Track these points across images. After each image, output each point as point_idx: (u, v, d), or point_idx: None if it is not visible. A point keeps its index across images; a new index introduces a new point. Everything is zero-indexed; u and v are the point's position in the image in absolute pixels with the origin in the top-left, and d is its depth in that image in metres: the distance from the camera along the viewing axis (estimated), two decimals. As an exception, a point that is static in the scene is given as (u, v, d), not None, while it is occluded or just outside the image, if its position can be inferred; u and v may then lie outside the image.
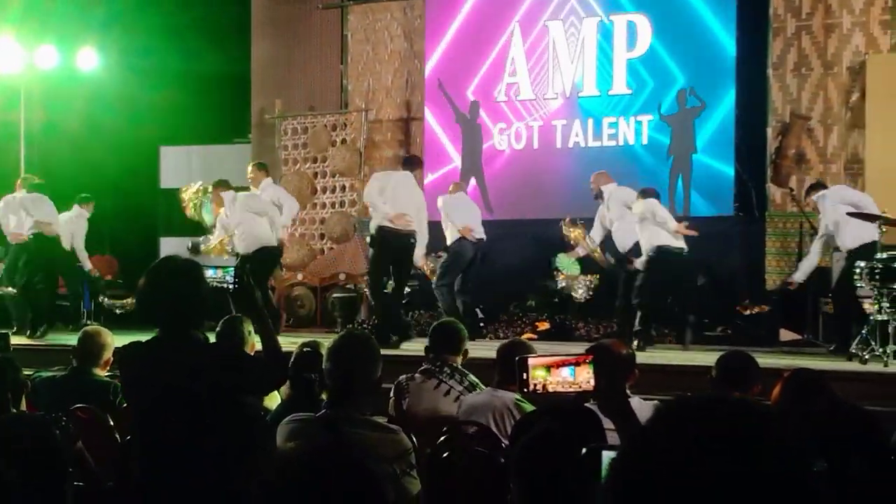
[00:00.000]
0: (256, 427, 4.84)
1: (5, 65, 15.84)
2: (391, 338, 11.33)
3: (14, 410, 5.06)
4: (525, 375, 3.56)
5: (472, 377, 6.82)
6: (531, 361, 3.59)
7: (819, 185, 11.61)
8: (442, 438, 5.50)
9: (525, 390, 3.61)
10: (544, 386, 3.55)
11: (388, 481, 4.46)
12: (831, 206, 11.06)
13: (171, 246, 16.56)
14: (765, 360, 8.07)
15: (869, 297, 10.59)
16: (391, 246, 11.72)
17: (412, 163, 12.48)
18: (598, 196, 12.54)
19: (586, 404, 3.95)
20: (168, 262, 4.93)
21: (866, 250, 10.64)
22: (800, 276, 11.66)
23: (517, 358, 3.64)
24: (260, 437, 4.89)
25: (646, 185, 12.37)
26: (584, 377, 3.54)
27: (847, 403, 3.30)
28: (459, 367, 6.85)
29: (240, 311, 7.27)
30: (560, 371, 3.55)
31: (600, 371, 3.54)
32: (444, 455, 5.25)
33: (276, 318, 12.62)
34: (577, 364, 3.56)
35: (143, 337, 4.78)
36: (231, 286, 4.88)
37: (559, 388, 3.55)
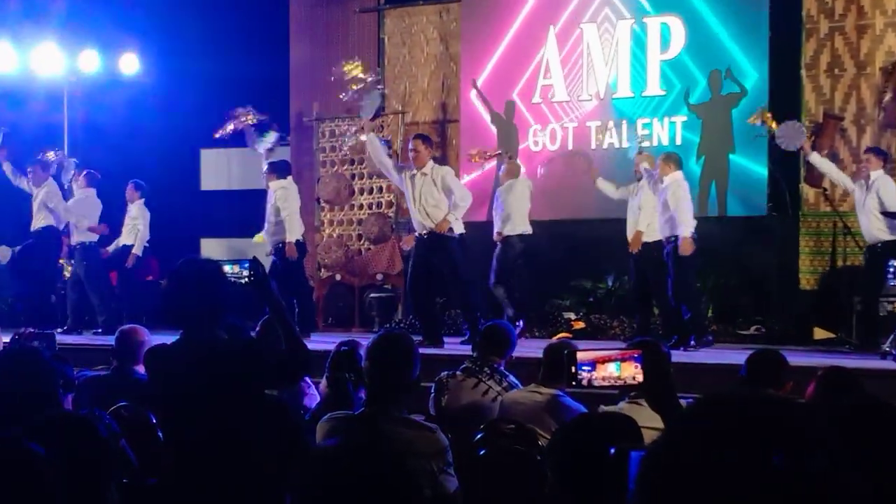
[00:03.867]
0: (293, 424, 4.87)
1: (49, 69, 16.03)
2: None
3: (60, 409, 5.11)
4: (573, 369, 3.58)
5: (513, 378, 6.86)
6: (580, 356, 3.62)
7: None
8: (479, 437, 5.53)
9: (573, 383, 3.64)
10: (590, 381, 3.57)
11: (424, 479, 4.49)
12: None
13: (211, 247, 16.66)
14: (798, 358, 8.05)
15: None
16: None
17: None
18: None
19: (623, 412, 3.97)
20: (188, 265, 4.97)
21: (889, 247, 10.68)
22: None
23: (566, 351, 3.69)
24: (298, 434, 4.92)
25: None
26: (630, 372, 3.56)
27: (879, 400, 3.29)
28: (501, 368, 6.90)
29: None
30: (606, 367, 3.57)
31: (648, 367, 3.57)
32: (482, 453, 5.27)
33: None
34: (623, 360, 3.58)
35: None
36: (247, 279, 4.84)
37: (605, 384, 3.58)
